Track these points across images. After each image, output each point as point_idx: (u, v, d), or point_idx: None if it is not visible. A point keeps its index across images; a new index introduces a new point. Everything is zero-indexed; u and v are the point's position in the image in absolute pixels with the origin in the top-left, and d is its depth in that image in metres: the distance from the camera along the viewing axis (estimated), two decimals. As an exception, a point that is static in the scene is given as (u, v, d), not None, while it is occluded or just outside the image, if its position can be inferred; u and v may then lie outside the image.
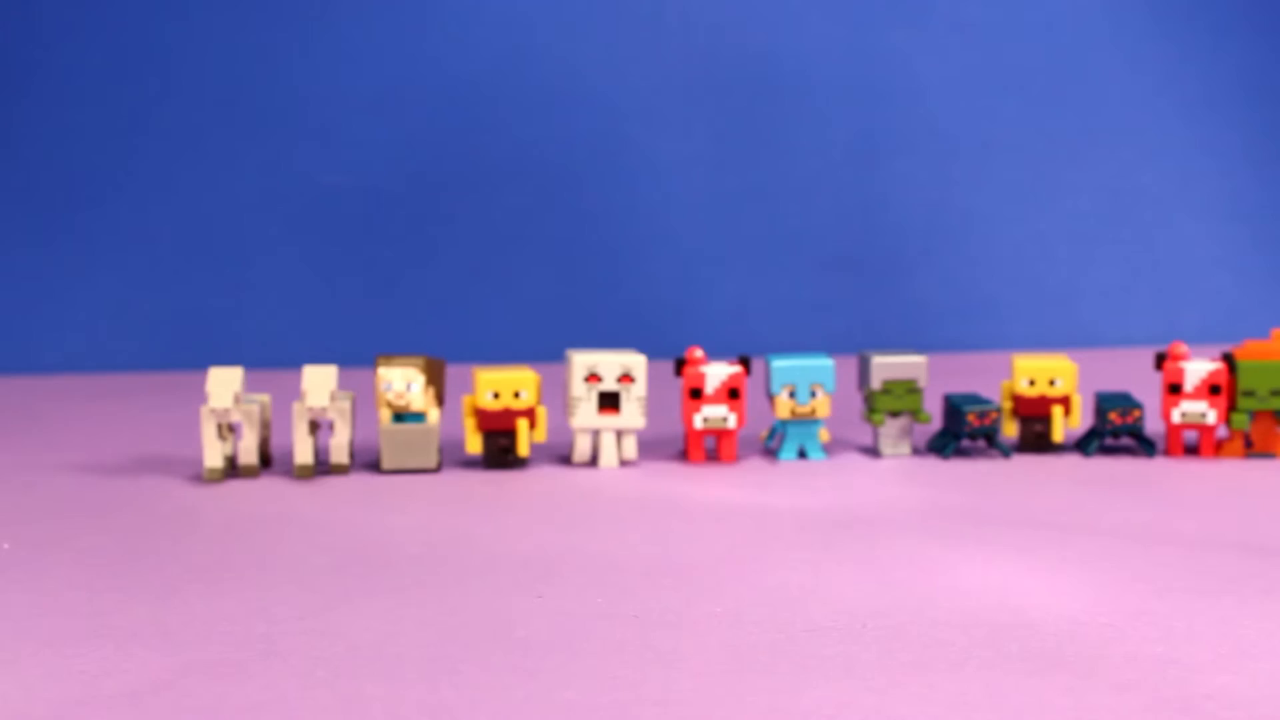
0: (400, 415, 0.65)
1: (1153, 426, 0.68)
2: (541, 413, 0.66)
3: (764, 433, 0.69)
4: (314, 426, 0.65)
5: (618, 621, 0.42)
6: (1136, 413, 0.66)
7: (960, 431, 0.66)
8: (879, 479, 0.64)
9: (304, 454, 0.65)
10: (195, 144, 1.12)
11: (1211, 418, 0.65)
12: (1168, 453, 0.67)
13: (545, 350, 0.84)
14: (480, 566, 0.49)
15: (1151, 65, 1.02)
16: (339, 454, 0.66)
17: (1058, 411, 0.66)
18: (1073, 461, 0.66)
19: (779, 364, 0.66)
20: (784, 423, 0.67)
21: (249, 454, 0.65)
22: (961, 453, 0.68)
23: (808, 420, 0.67)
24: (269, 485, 0.64)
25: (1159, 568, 0.48)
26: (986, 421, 0.65)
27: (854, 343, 0.82)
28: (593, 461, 0.67)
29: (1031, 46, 1.02)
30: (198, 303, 1.13)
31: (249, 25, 1.10)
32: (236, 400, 0.64)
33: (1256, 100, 1.03)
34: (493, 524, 0.56)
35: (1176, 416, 0.65)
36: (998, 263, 1.02)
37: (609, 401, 0.65)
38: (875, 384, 0.66)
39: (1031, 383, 0.66)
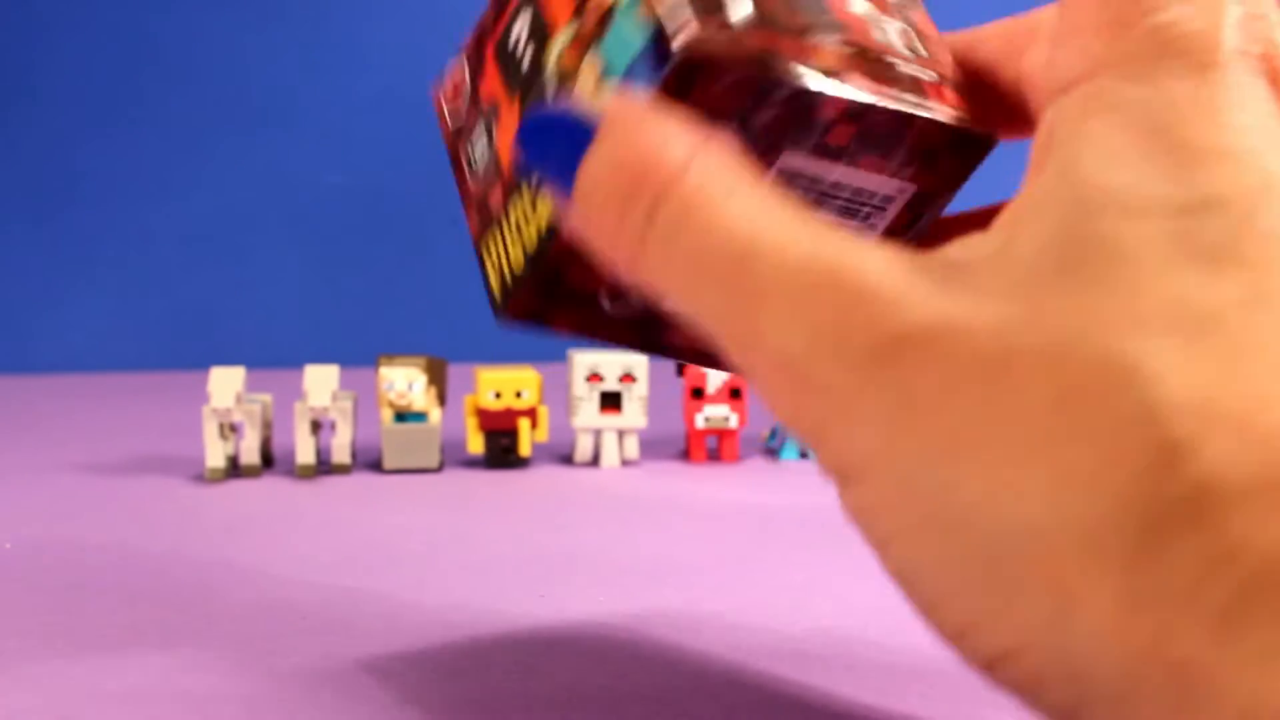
0: (402, 415, 0.65)
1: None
2: (543, 412, 0.66)
3: (765, 432, 0.69)
4: (316, 426, 0.65)
5: (618, 621, 0.42)
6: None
7: (962, 431, 0.66)
8: (880, 478, 0.64)
9: (306, 453, 0.65)
10: (196, 144, 1.12)
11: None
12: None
13: (547, 350, 0.84)
14: (481, 566, 0.49)
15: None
16: (341, 453, 0.66)
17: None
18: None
19: (780, 363, 0.66)
20: (785, 422, 0.67)
21: (251, 453, 0.65)
22: (963, 452, 0.67)
23: (809, 420, 0.67)
24: (271, 485, 0.64)
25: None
26: (988, 421, 0.65)
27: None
28: (594, 461, 0.67)
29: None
30: (199, 303, 1.13)
31: (250, 25, 1.10)
32: (238, 400, 0.64)
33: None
34: (494, 524, 0.56)
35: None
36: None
37: (611, 401, 0.65)
38: (876, 383, 0.66)
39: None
